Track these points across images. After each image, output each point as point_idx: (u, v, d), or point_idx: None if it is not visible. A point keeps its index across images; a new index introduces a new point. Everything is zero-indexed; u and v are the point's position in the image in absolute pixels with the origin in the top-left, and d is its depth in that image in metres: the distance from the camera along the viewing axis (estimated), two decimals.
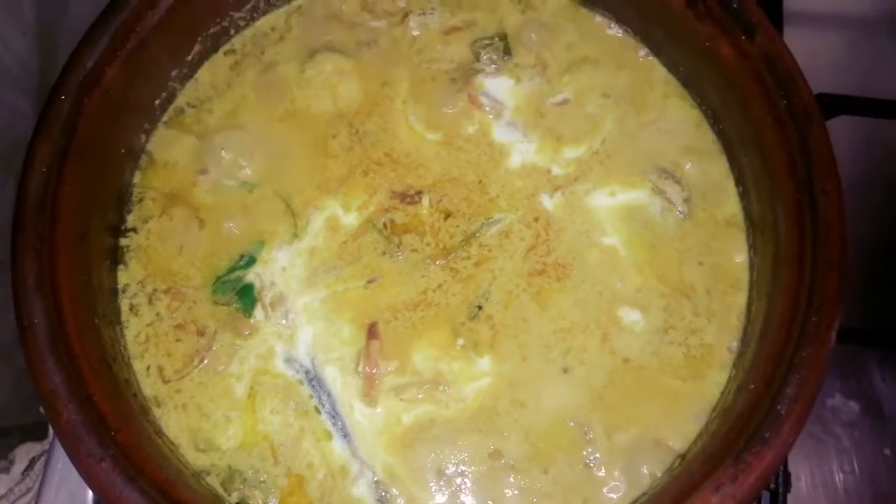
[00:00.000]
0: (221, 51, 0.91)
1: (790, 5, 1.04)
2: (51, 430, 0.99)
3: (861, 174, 1.03)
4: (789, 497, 0.86)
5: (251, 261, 0.82)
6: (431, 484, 0.74)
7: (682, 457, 0.72)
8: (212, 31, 0.88)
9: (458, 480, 0.74)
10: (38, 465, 1.08)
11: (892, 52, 1.12)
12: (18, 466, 1.09)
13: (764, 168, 0.76)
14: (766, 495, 0.86)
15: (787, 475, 0.86)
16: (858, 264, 0.97)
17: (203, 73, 0.90)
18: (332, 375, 0.78)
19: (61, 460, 0.91)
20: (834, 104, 0.93)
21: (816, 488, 0.94)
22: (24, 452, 1.09)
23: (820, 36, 1.13)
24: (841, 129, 0.92)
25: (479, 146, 0.86)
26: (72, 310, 0.72)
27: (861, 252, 0.98)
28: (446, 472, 0.75)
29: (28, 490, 1.08)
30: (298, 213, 0.84)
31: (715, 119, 0.84)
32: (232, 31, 0.90)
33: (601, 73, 0.88)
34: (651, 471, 0.73)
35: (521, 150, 0.86)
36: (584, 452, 0.74)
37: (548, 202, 0.84)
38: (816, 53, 1.10)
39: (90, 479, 0.66)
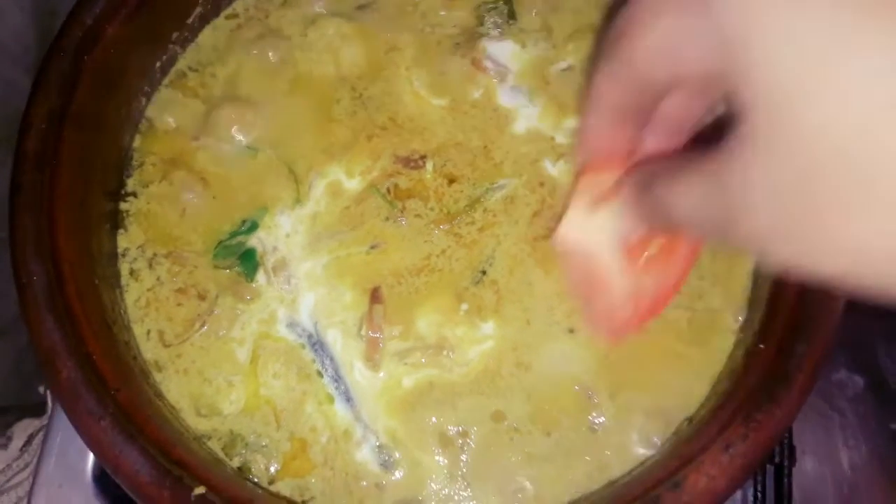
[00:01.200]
0: (223, 14, 0.89)
1: None
2: (49, 407, 0.98)
3: None
4: (794, 471, 0.85)
5: (253, 226, 0.81)
6: (434, 447, 0.73)
7: (690, 419, 0.71)
8: None
9: (460, 442, 0.73)
10: (36, 441, 1.07)
11: None
12: (16, 443, 1.08)
13: None
14: (770, 470, 0.86)
15: (791, 449, 0.85)
16: None
17: (204, 37, 0.89)
18: (335, 340, 0.77)
19: (59, 434, 0.90)
20: None
21: (821, 463, 0.93)
22: (22, 429, 1.08)
23: None
24: None
25: (484, 111, 0.85)
26: (71, 271, 0.71)
27: None
28: (448, 434, 0.74)
29: (26, 465, 1.07)
30: (301, 179, 0.83)
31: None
32: None
33: None
34: (658, 433, 0.72)
35: (526, 115, 0.84)
36: (590, 416, 0.73)
37: (551, 168, 0.82)
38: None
39: (89, 438, 0.65)
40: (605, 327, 0.67)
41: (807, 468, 0.93)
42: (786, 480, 0.84)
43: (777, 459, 0.84)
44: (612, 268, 0.62)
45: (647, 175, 0.51)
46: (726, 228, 0.40)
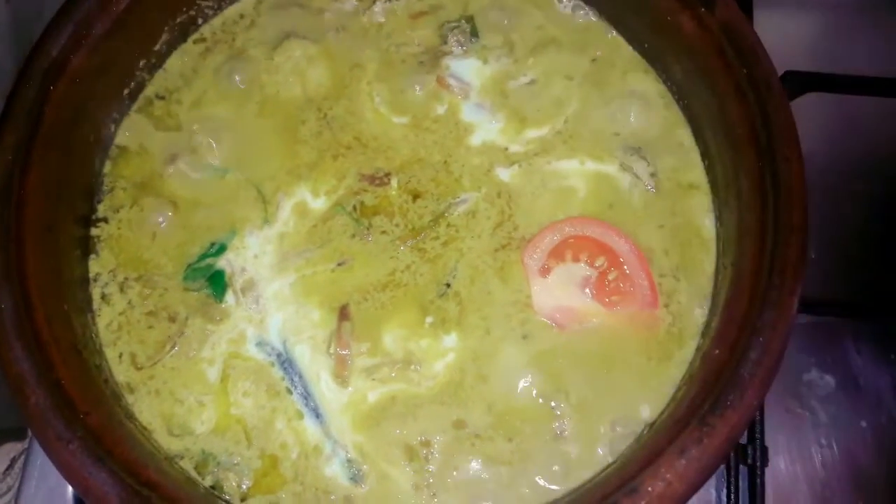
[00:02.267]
0: (191, 39, 0.91)
1: None
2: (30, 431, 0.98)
3: (829, 149, 1.04)
4: (767, 471, 0.87)
5: (222, 248, 0.83)
6: (400, 459, 0.75)
7: (651, 425, 0.73)
8: (179, 19, 0.89)
9: (424, 452, 0.75)
10: (18, 465, 1.08)
11: (861, 31, 1.13)
12: None
13: (727, 139, 0.77)
14: (743, 470, 0.87)
15: (764, 450, 0.86)
16: (830, 238, 0.99)
17: (172, 62, 0.90)
18: (304, 357, 0.79)
19: (40, 457, 0.91)
20: (801, 81, 0.94)
21: (794, 463, 0.94)
22: (5, 452, 1.09)
23: (790, 16, 1.14)
24: (809, 105, 0.94)
25: (446, 126, 0.87)
26: (40, 298, 0.72)
27: (832, 226, 1.00)
28: (412, 445, 0.75)
29: (9, 489, 1.08)
30: (269, 199, 0.84)
31: (680, 94, 0.85)
32: (200, 20, 0.91)
33: (565, 54, 0.89)
34: (620, 440, 0.73)
35: (486, 129, 0.86)
36: (554, 425, 0.75)
37: (505, 175, 0.84)
38: (787, 33, 1.12)
39: (58, 462, 0.66)
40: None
41: (780, 468, 0.94)
42: (758, 480, 0.86)
43: (750, 460, 0.86)
44: (589, 307, 0.79)
45: None
46: None
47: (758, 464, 0.86)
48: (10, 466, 1.08)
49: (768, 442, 0.87)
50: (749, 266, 0.70)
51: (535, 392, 0.76)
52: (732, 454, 0.87)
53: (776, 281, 0.66)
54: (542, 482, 0.73)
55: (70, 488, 0.89)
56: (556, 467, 0.73)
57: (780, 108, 0.71)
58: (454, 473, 0.74)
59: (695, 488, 0.63)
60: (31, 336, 0.69)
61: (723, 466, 0.88)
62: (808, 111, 0.97)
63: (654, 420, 0.73)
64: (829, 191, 1.01)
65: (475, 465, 0.74)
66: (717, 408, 0.63)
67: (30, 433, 0.99)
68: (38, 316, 0.71)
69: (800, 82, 0.93)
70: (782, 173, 0.69)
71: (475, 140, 0.86)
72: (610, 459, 0.72)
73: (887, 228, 1.00)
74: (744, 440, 0.87)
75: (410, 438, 0.75)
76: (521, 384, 0.77)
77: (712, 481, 0.89)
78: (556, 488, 0.72)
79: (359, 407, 0.77)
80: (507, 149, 0.85)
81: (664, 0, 0.79)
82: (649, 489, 0.62)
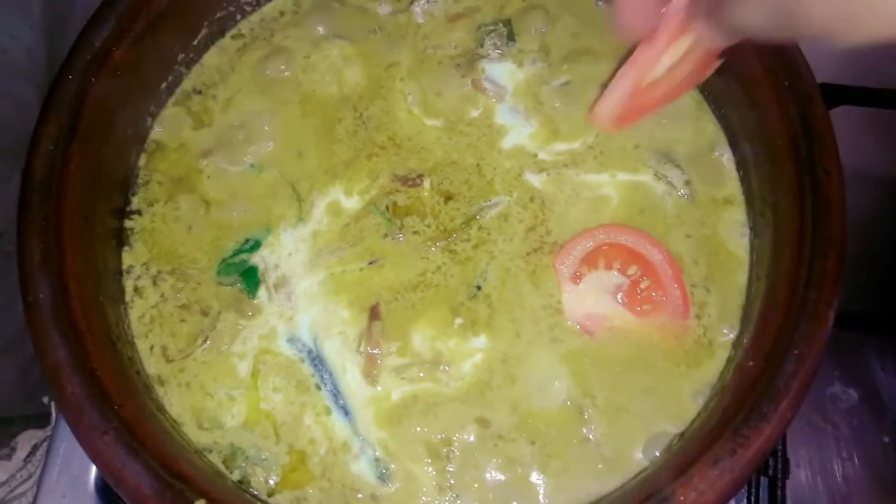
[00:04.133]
0: (228, 35, 0.92)
1: None
2: (53, 418, 0.99)
3: (863, 164, 1.04)
4: (788, 484, 0.86)
5: (256, 244, 0.83)
6: (424, 457, 0.75)
7: (681, 435, 0.73)
8: (218, 15, 0.89)
9: (445, 450, 0.75)
10: (40, 452, 1.08)
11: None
12: (20, 454, 1.10)
13: (766, 151, 0.77)
14: (764, 482, 0.87)
15: (785, 462, 0.86)
16: (858, 252, 0.98)
17: (210, 58, 0.91)
18: (334, 355, 0.79)
19: (63, 445, 0.91)
20: (835, 94, 0.93)
21: (815, 475, 0.94)
22: (27, 439, 1.10)
23: None
24: (842, 119, 0.93)
25: (479, 129, 0.87)
26: (76, 287, 0.72)
27: (861, 240, 0.99)
28: (433, 442, 0.75)
29: (30, 476, 1.08)
30: (304, 198, 0.85)
31: (717, 105, 0.85)
32: (238, 17, 0.91)
33: (601, 64, 0.88)
34: (651, 448, 0.73)
35: (518, 133, 0.87)
36: (582, 430, 0.75)
37: (536, 181, 0.84)
38: (819, 45, 1.11)
39: (93, 453, 0.66)
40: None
41: (801, 480, 0.94)
42: (779, 493, 0.85)
43: (771, 472, 0.85)
44: (620, 315, 0.79)
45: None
46: (787, 24, 0.48)
47: (779, 476, 0.86)
48: (32, 453, 1.09)
49: (790, 454, 0.87)
50: (785, 278, 0.70)
51: (562, 396, 0.76)
52: None
53: (813, 294, 0.66)
54: (570, 490, 0.73)
55: (92, 477, 0.89)
56: (586, 473, 0.73)
57: (821, 121, 0.71)
58: (475, 473, 0.74)
59: (726, 499, 0.63)
60: (69, 325, 0.70)
61: None
62: (842, 125, 0.97)
63: (685, 430, 0.73)
64: (861, 206, 1.01)
65: (496, 465, 0.74)
66: (752, 419, 0.63)
67: (52, 421, 1.00)
68: (74, 305, 0.71)
69: (833, 95, 0.93)
70: (822, 186, 0.69)
71: (507, 143, 0.86)
72: (638, 468, 0.72)
73: None
74: None
75: (431, 436, 0.75)
76: (549, 387, 0.77)
77: None
78: (586, 496, 0.72)
79: (382, 404, 0.77)
80: (536, 155, 0.86)
81: None
82: (681, 498, 0.62)
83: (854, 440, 0.95)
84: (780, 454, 0.86)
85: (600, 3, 0.92)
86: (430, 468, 0.74)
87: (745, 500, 0.87)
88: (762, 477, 0.87)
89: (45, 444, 1.04)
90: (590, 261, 0.80)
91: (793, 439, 0.90)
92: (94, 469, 0.88)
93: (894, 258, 1.00)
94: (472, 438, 0.75)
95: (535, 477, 0.74)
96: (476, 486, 0.74)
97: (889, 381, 0.97)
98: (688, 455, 0.65)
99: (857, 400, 0.97)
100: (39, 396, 1.07)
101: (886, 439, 0.96)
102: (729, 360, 0.76)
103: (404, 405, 0.77)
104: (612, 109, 0.75)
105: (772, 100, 0.74)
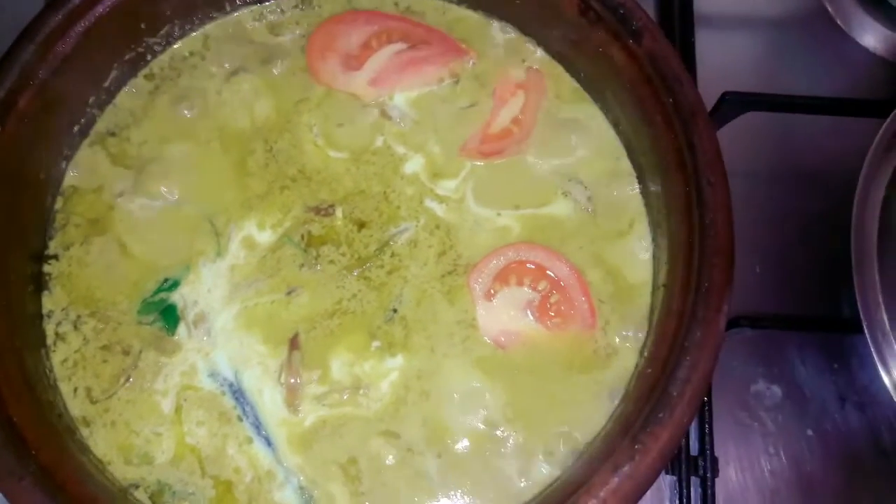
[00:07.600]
0: (141, 74, 0.93)
1: (701, 8, 1.09)
2: None
3: (771, 167, 1.07)
4: (717, 482, 0.89)
5: (175, 283, 0.84)
6: (338, 479, 0.77)
7: (590, 443, 0.75)
8: (127, 57, 0.90)
9: (354, 470, 0.77)
10: None
11: (800, 51, 1.16)
12: None
13: (659, 165, 0.80)
14: (695, 481, 0.90)
15: (714, 461, 0.89)
16: (771, 250, 1.02)
17: (122, 98, 0.92)
18: (255, 387, 0.80)
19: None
20: (740, 102, 0.97)
21: (744, 472, 0.96)
22: None
23: (731, 37, 1.17)
24: (751, 124, 0.97)
25: (384, 157, 0.89)
26: None
27: (776, 242, 1.03)
28: (343, 465, 0.77)
29: None
30: (221, 232, 0.86)
31: (615, 122, 0.88)
32: (149, 57, 0.92)
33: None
34: (558, 458, 0.75)
35: (415, 160, 0.89)
36: (493, 443, 0.77)
37: (438, 209, 0.87)
38: (727, 54, 1.15)
39: (12, 498, 0.67)
40: None
41: (731, 477, 0.96)
42: (709, 491, 0.88)
43: (701, 471, 0.88)
44: (531, 329, 0.82)
45: None
46: None
47: (708, 474, 0.88)
48: None
49: (718, 452, 0.90)
50: (679, 286, 0.72)
51: (474, 408, 0.79)
52: (684, 466, 0.89)
53: (703, 301, 0.69)
54: (478, 500, 0.75)
55: None
56: (496, 486, 0.75)
57: (704, 135, 0.74)
58: (386, 489, 0.76)
59: None
60: None
61: (675, 479, 0.90)
62: (750, 130, 1.01)
63: (593, 438, 0.76)
64: (772, 207, 1.05)
65: (407, 480, 0.77)
66: (649, 425, 0.66)
67: None
68: None
69: (739, 102, 0.96)
70: (707, 196, 0.72)
71: (407, 170, 0.89)
72: (549, 478, 0.74)
73: (827, 243, 1.02)
74: (695, 452, 0.89)
75: (340, 457, 0.77)
76: (461, 400, 0.79)
77: (665, 493, 0.92)
78: None
79: (294, 429, 0.79)
80: (433, 189, 0.88)
81: (596, 33, 0.82)
82: None
83: (780, 436, 0.98)
84: (708, 453, 0.88)
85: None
86: (344, 487, 0.76)
87: (676, 501, 0.90)
88: (692, 477, 0.89)
89: None
90: (502, 278, 0.83)
91: (720, 438, 0.92)
92: None
93: (807, 255, 1.03)
94: (382, 455, 0.77)
95: (442, 490, 0.76)
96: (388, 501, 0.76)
97: (811, 377, 1.00)
98: (590, 464, 0.67)
99: (781, 396, 0.99)
100: None
101: (810, 432, 0.98)
102: (635, 368, 0.78)
103: (314, 430, 0.78)
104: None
105: (659, 115, 0.77)
